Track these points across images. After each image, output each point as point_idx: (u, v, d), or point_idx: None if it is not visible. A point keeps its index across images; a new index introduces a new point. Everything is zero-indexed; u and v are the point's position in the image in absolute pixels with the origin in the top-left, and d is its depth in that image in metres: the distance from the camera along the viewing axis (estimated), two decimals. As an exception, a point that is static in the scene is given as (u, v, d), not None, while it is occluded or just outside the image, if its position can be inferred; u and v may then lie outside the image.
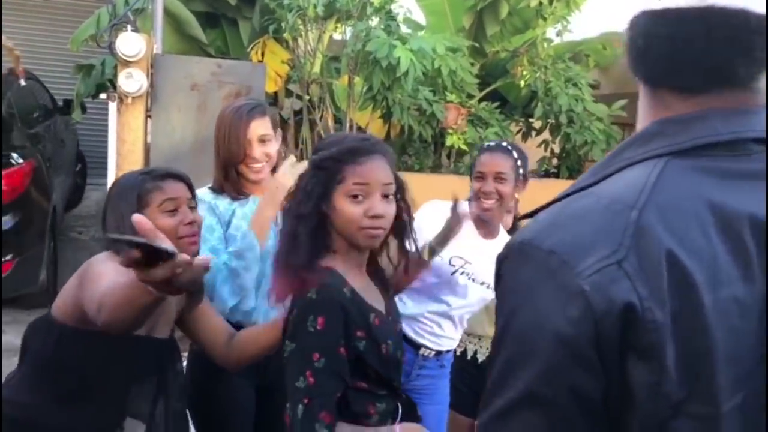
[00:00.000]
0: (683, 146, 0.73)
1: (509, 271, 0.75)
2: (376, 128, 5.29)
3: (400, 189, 1.45)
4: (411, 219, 1.50)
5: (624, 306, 0.67)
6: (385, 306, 1.49)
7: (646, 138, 0.76)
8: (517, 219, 2.40)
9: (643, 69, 0.79)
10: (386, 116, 5.11)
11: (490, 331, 2.43)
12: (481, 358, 2.47)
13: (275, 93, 5.62)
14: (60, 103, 6.42)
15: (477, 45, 5.66)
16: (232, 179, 1.96)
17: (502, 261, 0.77)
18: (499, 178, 2.08)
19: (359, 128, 5.11)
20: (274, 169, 1.99)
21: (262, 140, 1.94)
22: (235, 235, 1.91)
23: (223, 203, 1.94)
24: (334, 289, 1.33)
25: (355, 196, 1.36)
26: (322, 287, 1.33)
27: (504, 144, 2.22)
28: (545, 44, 5.73)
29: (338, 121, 5.23)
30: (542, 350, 0.70)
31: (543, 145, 5.67)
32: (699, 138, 0.73)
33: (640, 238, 0.68)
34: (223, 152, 1.94)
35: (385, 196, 1.38)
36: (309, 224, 1.38)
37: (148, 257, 1.01)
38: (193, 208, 1.61)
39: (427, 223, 1.98)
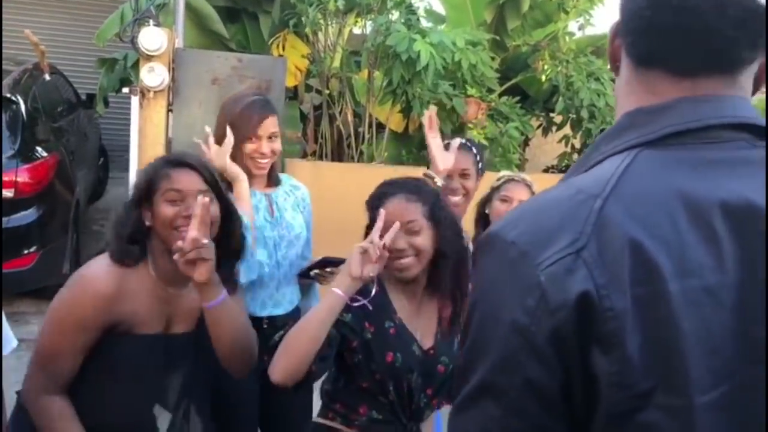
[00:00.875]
0: (652, 136, 0.72)
1: (477, 262, 0.76)
2: (395, 123, 5.28)
3: None
4: None
5: (579, 295, 0.66)
6: (434, 342, 1.64)
7: (619, 130, 0.76)
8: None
9: (642, 44, 0.76)
10: (406, 111, 5.09)
11: None
12: None
13: (295, 87, 5.63)
14: (83, 98, 6.50)
15: (498, 39, 5.62)
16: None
17: (474, 252, 0.78)
18: (463, 175, 2.27)
19: (379, 123, 5.10)
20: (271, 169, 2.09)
21: (271, 137, 2.00)
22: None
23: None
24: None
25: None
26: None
27: (464, 141, 2.36)
28: (567, 38, 5.67)
29: (357, 115, 5.22)
30: (498, 341, 0.70)
31: (563, 141, 5.62)
32: (668, 127, 0.72)
33: (602, 226, 0.67)
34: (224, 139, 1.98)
35: None
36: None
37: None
38: (210, 198, 1.56)
39: None
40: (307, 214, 2.20)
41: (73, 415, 1.52)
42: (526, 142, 5.82)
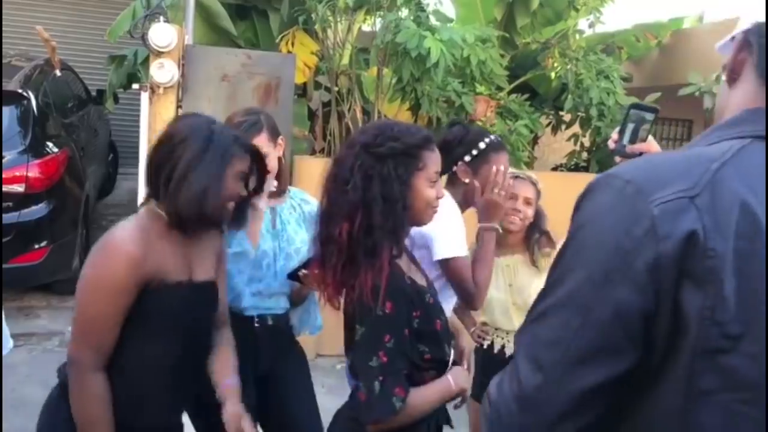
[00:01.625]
0: (763, 132, 0.82)
1: (587, 199, 0.83)
2: (404, 120, 5.28)
3: None
4: None
5: (687, 232, 0.73)
6: (426, 282, 1.63)
7: (739, 122, 0.84)
8: None
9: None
10: (415, 108, 5.09)
11: (516, 324, 2.44)
12: (508, 352, 2.51)
13: (304, 84, 5.64)
14: (93, 94, 6.54)
15: (507, 36, 5.60)
16: None
17: (582, 195, 0.84)
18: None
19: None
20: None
21: (277, 145, 2.06)
22: (230, 241, 1.99)
23: None
24: (396, 278, 1.47)
25: (432, 183, 1.55)
26: (387, 278, 1.44)
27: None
28: (577, 36, 5.64)
29: (366, 113, 5.22)
30: (597, 260, 0.77)
31: (573, 139, 5.60)
32: None
33: (716, 183, 0.76)
34: None
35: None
36: (402, 208, 1.50)
37: None
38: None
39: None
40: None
41: (109, 400, 1.55)
42: (535, 140, 5.80)
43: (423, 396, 1.49)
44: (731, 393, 0.72)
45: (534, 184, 2.52)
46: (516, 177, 2.45)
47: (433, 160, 1.55)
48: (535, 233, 2.53)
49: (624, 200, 0.77)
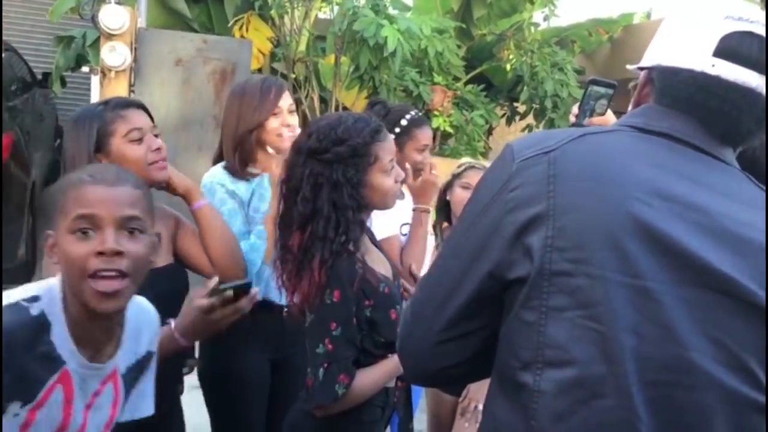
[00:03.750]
0: (637, 124, 0.94)
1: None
2: (361, 108, 5.25)
3: None
4: None
5: (533, 178, 0.88)
6: (390, 270, 1.61)
7: (624, 118, 0.99)
8: None
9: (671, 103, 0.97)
10: (372, 96, 5.09)
11: None
12: None
13: (259, 70, 5.56)
14: (39, 77, 6.30)
15: (464, 27, 5.64)
16: (248, 149, 1.92)
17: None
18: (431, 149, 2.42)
19: (345, 108, 5.08)
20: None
21: (291, 111, 1.98)
22: (254, 216, 1.91)
23: (242, 186, 1.92)
24: (347, 267, 1.45)
25: (387, 172, 1.52)
26: (337, 266, 1.44)
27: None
28: (532, 28, 5.73)
29: (324, 100, 5.19)
30: (469, 211, 0.95)
31: (527, 130, 5.70)
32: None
33: (574, 144, 0.90)
34: (245, 122, 1.91)
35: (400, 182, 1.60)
36: (353, 211, 1.48)
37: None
38: (157, 135, 1.61)
39: None
40: None
41: None
42: (489, 131, 5.88)
43: (369, 377, 1.49)
44: (576, 310, 0.83)
45: None
46: (471, 167, 2.45)
47: (385, 149, 1.51)
48: None
49: (501, 161, 0.94)
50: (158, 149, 1.58)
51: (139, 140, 1.56)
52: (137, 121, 1.57)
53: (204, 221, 1.71)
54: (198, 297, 1.39)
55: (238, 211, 1.89)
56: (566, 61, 5.37)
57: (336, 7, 5.00)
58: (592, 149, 0.90)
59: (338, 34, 4.69)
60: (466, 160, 2.61)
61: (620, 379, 0.81)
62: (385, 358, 1.51)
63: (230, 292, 1.37)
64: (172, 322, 1.42)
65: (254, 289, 1.43)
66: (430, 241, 2.33)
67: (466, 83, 5.54)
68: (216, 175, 1.92)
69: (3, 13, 7.10)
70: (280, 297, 1.92)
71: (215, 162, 2.01)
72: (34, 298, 1.07)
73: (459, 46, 5.32)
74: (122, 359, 1.19)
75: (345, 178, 1.45)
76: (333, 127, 1.48)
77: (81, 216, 1.06)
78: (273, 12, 4.96)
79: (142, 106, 1.63)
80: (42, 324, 1.06)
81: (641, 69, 1.00)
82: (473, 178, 2.39)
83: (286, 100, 1.96)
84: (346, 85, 4.92)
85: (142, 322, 1.24)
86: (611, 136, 0.93)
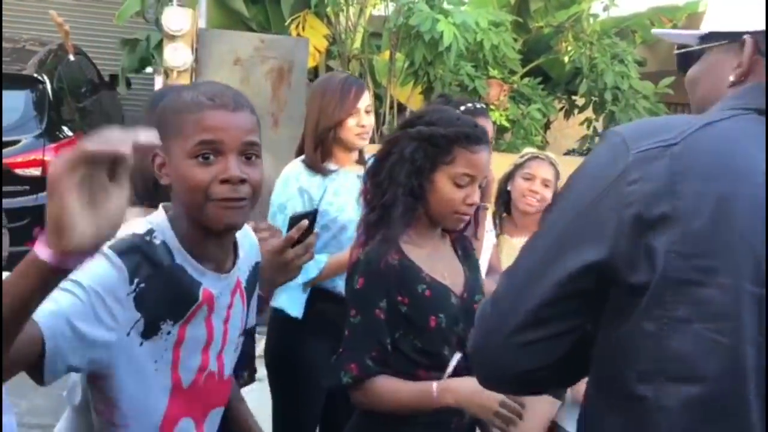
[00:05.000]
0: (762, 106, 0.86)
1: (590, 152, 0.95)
2: (416, 104, 5.26)
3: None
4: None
5: (656, 176, 0.80)
6: (462, 283, 1.51)
7: (739, 96, 0.90)
8: None
9: None
10: (427, 92, 5.07)
11: None
12: None
13: (315, 68, 5.63)
14: (106, 78, 6.56)
15: (520, 20, 5.56)
16: (327, 146, 2.03)
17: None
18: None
19: (399, 104, 5.09)
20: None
21: (368, 111, 2.06)
22: (327, 210, 2.00)
23: (315, 184, 2.02)
24: (378, 255, 1.40)
25: (459, 184, 1.43)
26: (369, 251, 1.42)
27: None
28: (591, 19, 5.59)
29: (378, 97, 5.21)
30: (575, 198, 0.88)
31: (585, 123, 5.57)
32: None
33: (697, 136, 0.82)
34: (325, 119, 2.01)
35: (480, 187, 1.48)
36: (406, 193, 1.43)
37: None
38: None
39: None
40: None
41: None
42: (547, 125, 5.77)
43: (393, 388, 1.38)
44: (704, 322, 0.77)
45: (553, 164, 2.41)
46: (535, 157, 2.39)
47: (469, 160, 1.42)
48: None
49: (610, 150, 0.85)
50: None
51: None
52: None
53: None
54: (260, 235, 1.35)
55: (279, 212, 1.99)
56: (627, 53, 5.21)
57: (391, 4, 5.00)
58: (717, 144, 0.82)
59: (393, 30, 4.69)
60: (529, 150, 2.53)
61: (743, 395, 0.77)
62: (424, 370, 1.41)
63: (305, 222, 1.31)
64: None
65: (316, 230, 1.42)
66: (489, 238, 2.30)
67: (522, 76, 5.45)
68: (294, 168, 2.04)
69: (73, 19, 7.43)
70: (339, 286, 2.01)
71: (297, 155, 2.12)
72: (150, 231, 1.09)
73: (515, 39, 5.24)
74: (241, 270, 1.21)
75: (412, 157, 1.41)
76: (436, 110, 1.51)
77: (204, 141, 1.05)
78: (329, 10, 5.01)
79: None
80: (168, 250, 1.09)
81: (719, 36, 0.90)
82: (536, 168, 2.34)
83: (365, 101, 2.04)
84: (401, 81, 4.92)
85: (243, 233, 1.25)
86: (734, 124, 0.84)
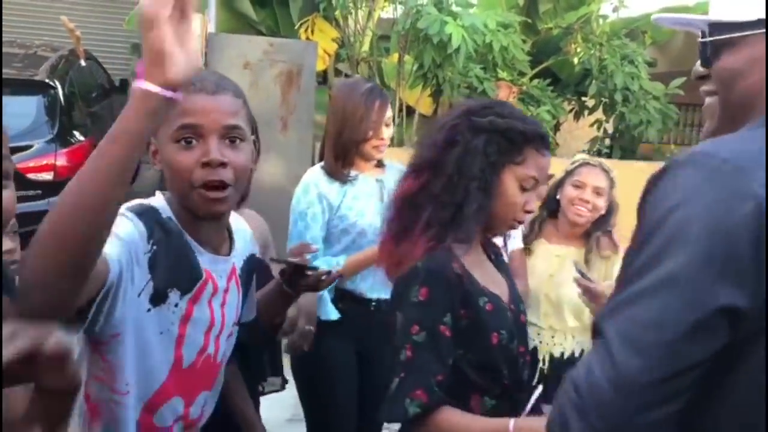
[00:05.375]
0: None
1: (670, 178, 0.79)
2: (425, 106, 5.26)
3: None
4: None
5: None
6: (507, 293, 1.38)
7: None
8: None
9: None
10: (436, 94, 5.07)
11: (541, 318, 2.25)
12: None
13: (324, 71, 5.64)
14: (116, 83, 6.60)
15: (529, 21, 5.54)
16: (349, 158, 2.05)
17: (660, 175, 0.80)
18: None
19: (408, 107, 5.09)
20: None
21: (387, 125, 2.07)
22: (347, 215, 2.02)
23: (334, 190, 2.04)
24: (442, 262, 1.25)
25: (525, 188, 1.30)
26: (430, 258, 1.25)
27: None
28: (600, 20, 5.57)
29: (387, 99, 5.22)
30: (698, 240, 0.73)
31: (596, 125, 5.54)
32: None
33: None
34: (349, 132, 2.02)
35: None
36: (478, 189, 1.26)
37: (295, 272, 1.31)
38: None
39: None
40: None
41: None
42: (557, 127, 5.75)
43: (464, 423, 1.19)
44: None
45: (606, 171, 2.22)
46: (585, 164, 2.23)
47: (538, 162, 1.29)
48: (597, 230, 2.21)
49: (722, 179, 0.74)
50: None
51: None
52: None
53: None
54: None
55: (320, 217, 2.02)
56: (637, 53, 5.19)
57: (399, 6, 5.01)
58: None
59: (402, 33, 4.70)
60: (581, 156, 2.39)
61: None
62: (479, 395, 1.26)
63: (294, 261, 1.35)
64: None
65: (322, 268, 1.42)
66: (515, 243, 2.24)
67: (531, 78, 5.44)
68: (313, 174, 2.07)
69: (84, 24, 7.49)
70: (369, 292, 2.05)
71: (319, 159, 2.15)
72: (156, 207, 1.11)
73: (524, 41, 5.23)
74: (236, 258, 1.22)
75: (485, 149, 1.26)
76: (504, 104, 1.40)
77: (184, 125, 1.06)
78: (337, 13, 5.02)
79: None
80: (175, 224, 1.10)
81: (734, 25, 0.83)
82: (586, 175, 2.20)
83: (387, 114, 2.06)
84: (410, 84, 4.93)
85: (238, 225, 1.28)
86: None
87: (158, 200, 1.13)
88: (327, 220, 2.02)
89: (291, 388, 2.11)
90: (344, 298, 2.05)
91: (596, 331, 0.79)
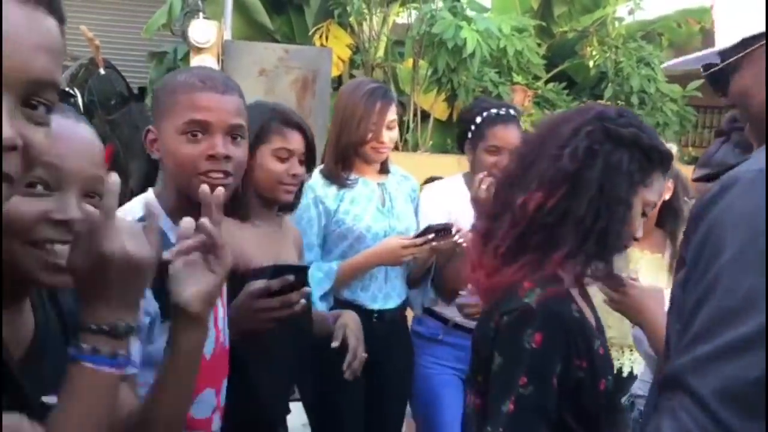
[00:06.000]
0: None
1: (735, 200, 0.73)
2: (439, 111, 5.26)
3: None
4: None
5: None
6: (595, 323, 1.22)
7: None
8: None
9: None
10: (450, 99, 5.07)
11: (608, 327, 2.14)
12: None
13: (339, 77, 5.67)
14: (135, 91, 6.68)
15: (544, 25, 5.53)
16: (349, 160, 1.98)
17: (720, 194, 0.75)
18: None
19: (423, 112, 5.09)
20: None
21: (390, 126, 1.98)
22: (343, 219, 1.96)
23: (331, 194, 1.97)
24: (561, 303, 1.10)
25: (645, 212, 1.16)
26: (548, 297, 1.08)
27: (512, 112, 2.08)
28: (616, 23, 5.54)
29: (402, 104, 5.22)
30: None
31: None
32: None
33: None
34: (347, 134, 1.95)
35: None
36: (623, 214, 1.09)
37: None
38: (301, 162, 1.64)
39: (431, 207, 2.07)
40: (416, 205, 2.14)
41: None
42: (573, 130, 5.73)
43: None
44: None
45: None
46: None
47: (660, 186, 1.17)
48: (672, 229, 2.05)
49: None
50: (295, 175, 1.62)
51: (285, 159, 1.61)
52: (293, 142, 1.63)
53: None
54: (251, 287, 1.33)
55: (315, 222, 1.95)
56: (653, 56, 5.15)
57: (414, 12, 5.02)
58: None
59: (416, 38, 4.71)
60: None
61: None
62: None
63: (291, 277, 1.30)
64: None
65: (306, 288, 1.36)
66: None
67: (547, 82, 5.42)
68: (312, 178, 1.97)
69: (103, 33, 7.59)
70: (371, 302, 2.00)
71: (321, 162, 2.07)
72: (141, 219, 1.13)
73: (539, 45, 5.22)
74: None
75: (629, 168, 1.09)
76: (633, 114, 1.24)
77: (194, 120, 1.13)
78: (352, 19, 5.05)
79: (304, 131, 1.66)
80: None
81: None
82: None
83: (389, 116, 1.96)
84: (424, 89, 4.93)
85: None
86: None
87: (149, 195, 1.21)
88: (324, 225, 1.97)
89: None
90: (343, 307, 1.96)
91: (673, 385, 0.72)
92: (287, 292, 1.32)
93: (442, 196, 2.14)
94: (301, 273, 1.35)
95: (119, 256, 0.72)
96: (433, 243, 1.92)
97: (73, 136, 0.83)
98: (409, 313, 2.24)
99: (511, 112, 2.06)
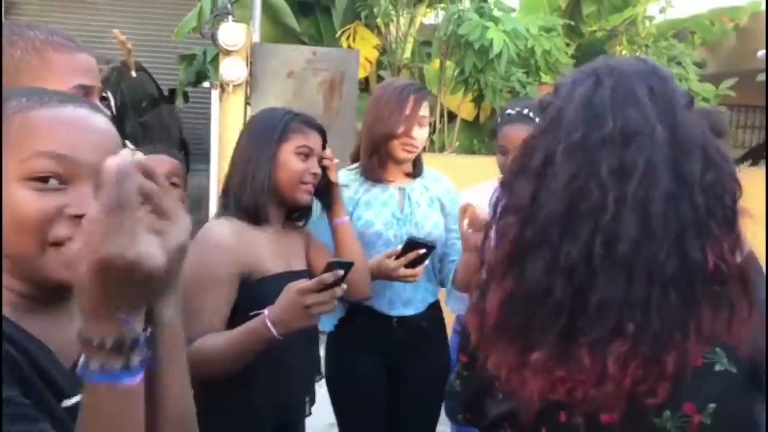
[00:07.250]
0: None
1: None
2: (466, 111, 5.25)
3: None
4: None
5: None
6: None
7: None
8: None
9: None
10: (477, 99, 5.06)
11: None
12: None
13: (366, 79, 5.69)
14: (165, 93, 6.79)
15: (572, 24, 5.48)
16: (380, 157, 1.94)
17: None
18: None
19: (450, 112, 5.08)
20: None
21: (421, 123, 1.92)
22: (355, 223, 1.92)
23: (346, 197, 1.89)
24: None
25: None
26: None
27: (525, 112, 1.99)
28: (646, 22, 5.46)
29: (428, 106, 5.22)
30: None
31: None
32: None
33: None
34: (379, 126, 1.90)
35: None
36: None
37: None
38: (319, 163, 1.69)
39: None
40: (452, 206, 2.01)
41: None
42: (602, 131, 5.66)
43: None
44: None
45: None
46: None
47: None
48: None
49: None
50: (315, 174, 1.66)
51: (306, 157, 1.65)
52: (313, 140, 1.67)
53: (341, 236, 1.79)
54: (295, 286, 1.34)
55: (321, 223, 1.88)
56: (685, 55, 5.06)
57: (441, 12, 5.02)
58: None
59: (443, 39, 4.70)
60: None
61: None
62: None
63: (341, 271, 1.31)
64: (266, 310, 1.38)
65: (344, 285, 1.36)
66: None
67: (575, 82, 5.37)
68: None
69: (135, 37, 7.73)
70: (388, 308, 1.97)
71: (351, 161, 2.05)
72: None
73: (568, 44, 5.17)
74: None
75: (715, 190, 0.85)
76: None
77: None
78: (379, 20, 5.06)
79: (322, 131, 1.71)
80: None
81: None
82: None
83: (422, 111, 1.90)
84: (451, 90, 4.92)
85: None
86: None
87: None
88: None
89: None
90: (359, 312, 1.95)
91: None
92: (332, 287, 1.33)
93: (481, 200, 2.09)
94: (348, 268, 1.36)
95: (121, 261, 0.60)
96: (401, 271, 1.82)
97: (87, 126, 0.77)
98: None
99: (524, 111, 1.99)
